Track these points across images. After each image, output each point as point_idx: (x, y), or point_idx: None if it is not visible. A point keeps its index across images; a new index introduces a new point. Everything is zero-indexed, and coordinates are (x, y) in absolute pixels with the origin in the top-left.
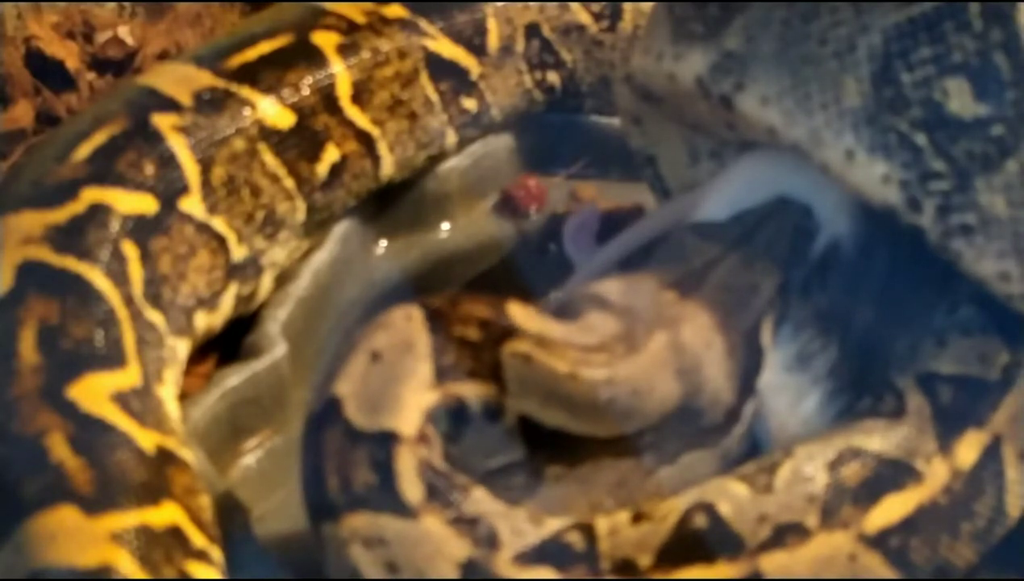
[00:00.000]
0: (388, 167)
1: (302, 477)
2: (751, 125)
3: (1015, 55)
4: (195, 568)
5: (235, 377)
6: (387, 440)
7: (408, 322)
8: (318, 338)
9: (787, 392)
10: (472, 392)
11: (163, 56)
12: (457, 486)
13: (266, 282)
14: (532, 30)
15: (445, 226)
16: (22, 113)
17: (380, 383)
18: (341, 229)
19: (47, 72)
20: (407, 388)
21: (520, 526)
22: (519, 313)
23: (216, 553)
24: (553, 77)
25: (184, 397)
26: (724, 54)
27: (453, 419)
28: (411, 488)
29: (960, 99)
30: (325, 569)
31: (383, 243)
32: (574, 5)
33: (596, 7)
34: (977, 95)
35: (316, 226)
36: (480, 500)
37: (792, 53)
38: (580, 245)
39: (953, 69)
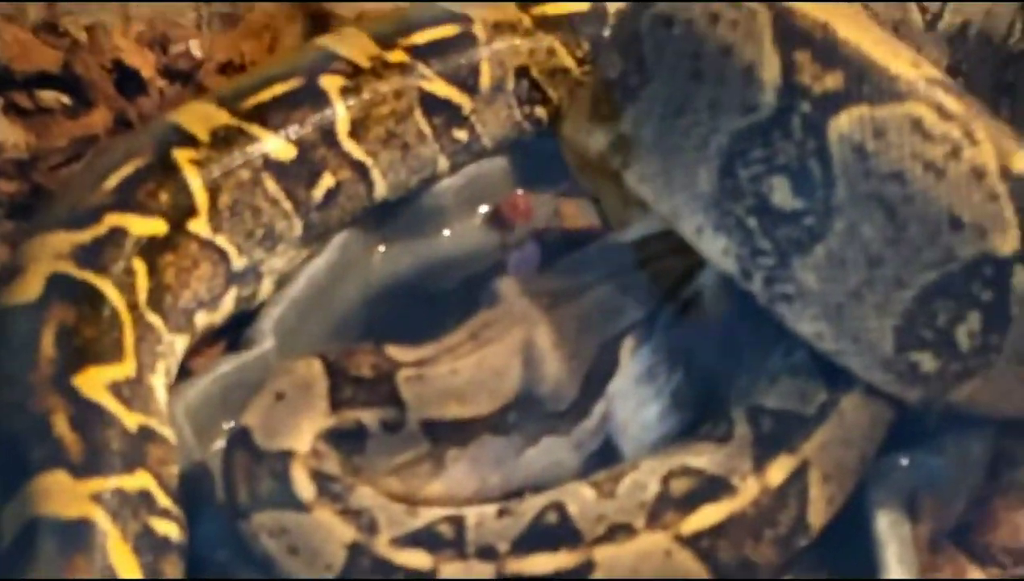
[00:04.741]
0: (381, 190)
1: (223, 488)
2: (636, 195)
3: (826, 162)
4: (157, 523)
5: (227, 364)
6: (285, 456)
7: (309, 369)
8: (310, 334)
9: (632, 400)
10: (369, 416)
11: (227, 66)
12: (345, 486)
13: (266, 285)
14: (522, 72)
15: (440, 235)
16: (98, 119)
17: (281, 416)
18: (341, 237)
19: (125, 80)
20: (304, 418)
21: (397, 517)
22: (396, 351)
23: (178, 511)
24: (540, 111)
25: (191, 374)
26: (618, 136)
27: (353, 436)
28: (304, 489)
29: (781, 193)
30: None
31: (382, 248)
32: (560, 50)
33: (580, 53)
34: (794, 192)
35: (314, 238)
36: (364, 495)
37: (664, 142)
38: (520, 276)
39: (778, 169)
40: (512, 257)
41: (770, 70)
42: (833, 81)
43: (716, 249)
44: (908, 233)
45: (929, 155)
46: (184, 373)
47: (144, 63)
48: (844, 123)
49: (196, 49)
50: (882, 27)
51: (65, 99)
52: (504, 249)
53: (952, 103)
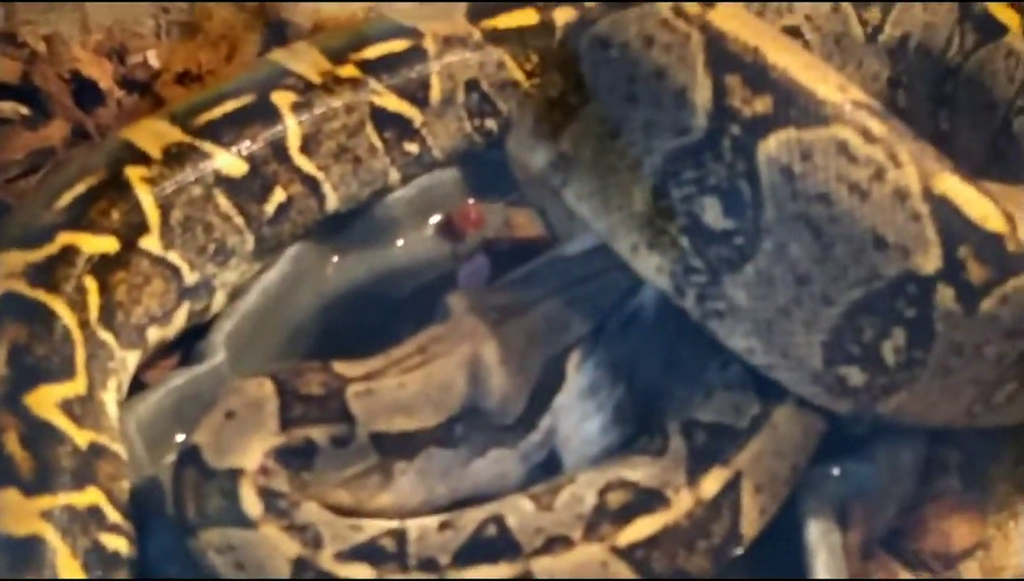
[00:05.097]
0: (333, 203)
1: (171, 504)
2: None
3: (755, 183)
4: (108, 539)
5: (180, 378)
6: (233, 474)
7: (260, 388)
8: (264, 345)
9: (575, 413)
10: (318, 432)
11: (184, 76)
12: (291, 502)
13: (219, 298)
14: (472, 85)
15: (392, 245)
16: (56, 131)
17: (231, 434)
18: (294, 249)
19: (83, 91)
20: (253, 436)
21: (341, 532)
22: (344, 367)
23: (128, 526)
24: (491, 123)
25: (144, 387)
26: (558, 154)
27: (302, 453)
28: (252, 506)
29: (712, 213)
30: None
31: (335, 259)
32: (510, 63)
33: (529, 66)
34: (725, 212)
35: (267, 251)
36: (309, 511)
37: (601, 162)
38: (470, 289)
39: (709, 190)
40: (462, 270)
41: (702, 93)
42: (762, 105)
43: (650, 267)
44: (834, 252)
45: (854, 177)
46: (137, 386)
47: (102, 74)
48: (772, 146)
49: (154, 59)
50: (823, 41)
51: (23, 110)
52: (456, 259)
53: (877, 126)
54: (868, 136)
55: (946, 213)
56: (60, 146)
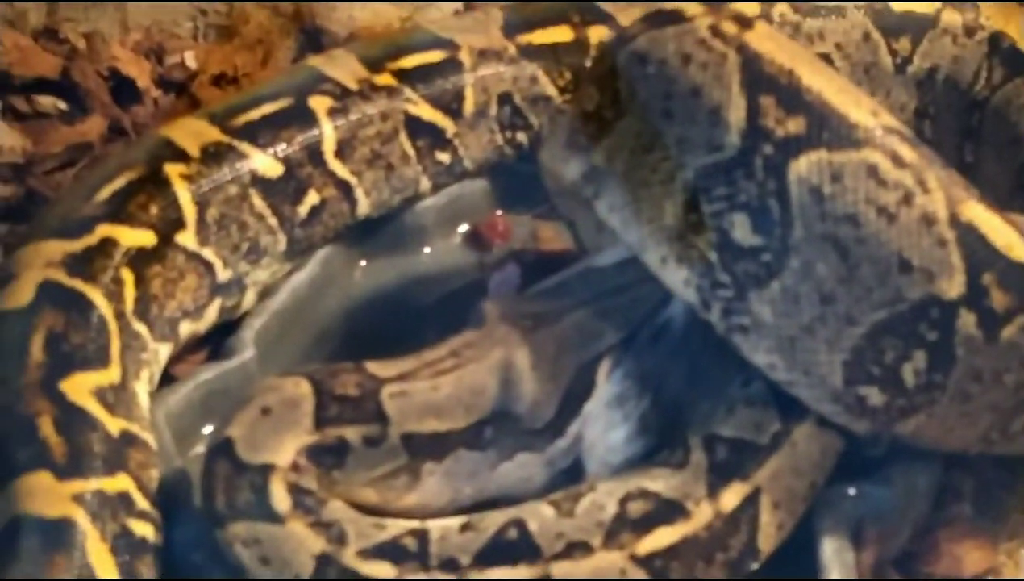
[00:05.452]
0: (364, 208)
1: (201, 495)
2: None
3: (784, 202)
4: (135, 524)
5: (209, 372)
6: (265, 470)
7: (296, 387)
8: (292, 344)
9: (601, 422)
10: (352, 432)
11: (220, 78)
12: (319, 500)
13: (250, 296)
14: (505, 98)
15: (420, 252)
16: (93, 126)
17: (266, 430)
18: (324, 252)
19: (121, 88)
20: (287, 434)
21: (365, 530)
22: (377, 367)
23: (155, 514)
24: (522, 137)
25: (173, 380)
26: (591, 166)
27: (335, 451)
28: (281, 502)
29: (742, 230)
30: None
31: (363, 263)
32: (543, 78)
33: (562, 82)
34: (754, 229)
35: (298, 253)
36: (335, 509)
37: (633, 176)
38: (501, 297)
39: (739, 206)
40: (493, 279)
41: (736, 112)
42: (795, 126)
43: (678, 280)
44: (860, 273)
45: (882, 200)
46: (167, 379)
47: (140, 72)
48: (803, 166)
49: (191, 60)
50: (853, 69)
51: (62, 105)
52: (482, 268)
53: (907, 152)
54: (898, 161)
55: (972, 240)
56: (97, 142)
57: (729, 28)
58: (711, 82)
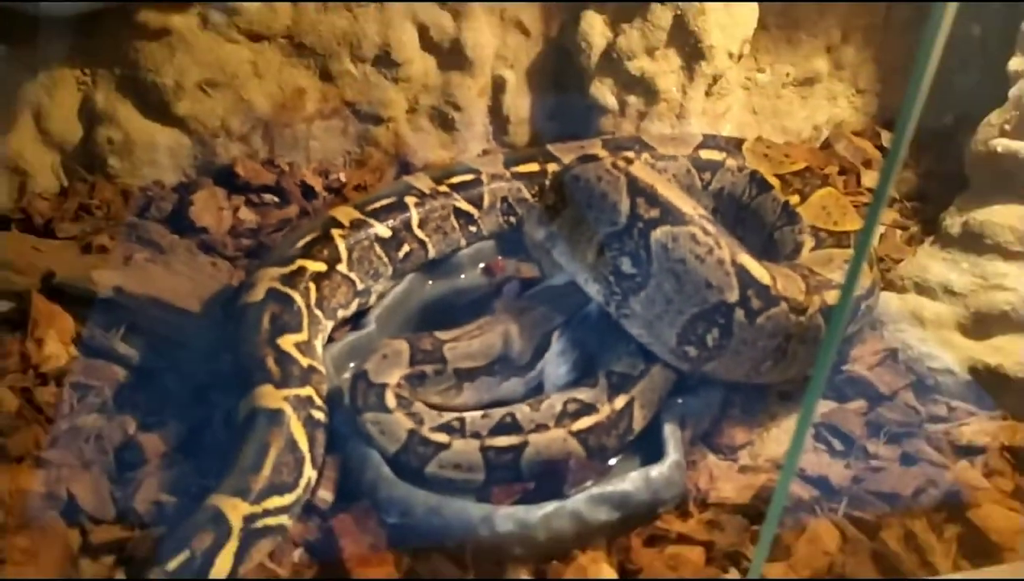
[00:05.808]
0: (432, 253)
1: (348, 399)
2: (557, 262)
3: (648, 251)
4: (315, 413)
5: (351, 336)
6: (383, 386)
7: (400, 344)
8: (395, 324)
9: (553, 364)
10: (428, 368)
11: (358, 186)
12: (410, 402)
13: (373, 298)
14: (504, 198)
15: (460, 277)
16: (292, 210)
17: (384, 366)
18: (411, 276)
19: (307, 191)
20: (395, 369)
21: (433, 418)
22: (441, 334)
23: (325, 408)
24: (513, 219)
25: (332, 341)
26: (549, 232)
27: (419, 378)
28: (391, 402)
29: (626, 265)
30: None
31: (430, 283)
32: (524, 189)
33: (534, 191)
34: (632, 265)
35: (398, 276)
36: (418, 407)
37: (571, 238)
38: (507, 298)
39: (625, 253)
40: (505, 288)
41: (624, 205)
42: (654, 213)
43: (593, 290)
44: (686, 289)
45: (697, 251)
46: (329, 340)
47: (316, 183)
48: (659, 233)
49: (342, 177)
50: (682, 187)
51: (276, 199)
52: (493, 286)
53: (710, 227)
54: (706, 232)
55: (743, 273)
56: (294, 218)
57: (621, 162)
58: (611, 190)
